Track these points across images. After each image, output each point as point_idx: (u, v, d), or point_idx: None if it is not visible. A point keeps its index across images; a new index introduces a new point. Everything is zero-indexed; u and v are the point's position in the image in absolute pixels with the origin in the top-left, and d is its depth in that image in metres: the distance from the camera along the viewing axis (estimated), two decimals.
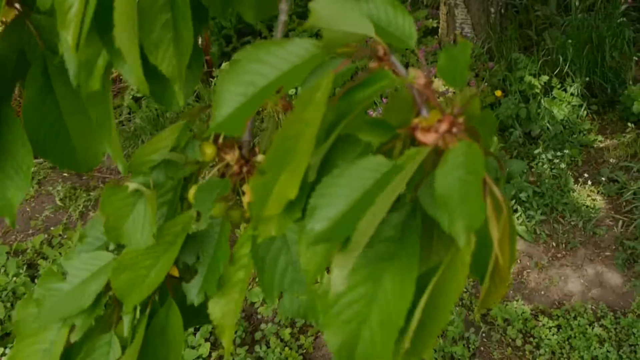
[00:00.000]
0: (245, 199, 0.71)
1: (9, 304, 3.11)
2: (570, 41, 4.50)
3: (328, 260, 0.53)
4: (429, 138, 0.53)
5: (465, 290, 2.85)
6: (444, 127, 0.52)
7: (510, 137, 4.13)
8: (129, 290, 0.70)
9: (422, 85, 0.55)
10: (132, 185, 0.72)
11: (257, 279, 0.77)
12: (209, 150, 0.74)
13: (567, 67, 4.41)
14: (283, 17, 0.74)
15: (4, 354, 2.84)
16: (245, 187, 0.71)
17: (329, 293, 0.53)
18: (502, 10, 4.74)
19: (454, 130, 0.52)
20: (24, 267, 3.32)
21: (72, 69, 0.66)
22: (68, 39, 0.61)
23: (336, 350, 0.52)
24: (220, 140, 0.75)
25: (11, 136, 0.75)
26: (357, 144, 0.56)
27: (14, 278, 3.22)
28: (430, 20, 4.85)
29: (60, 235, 3.54)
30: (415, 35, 0.58)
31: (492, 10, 4.68)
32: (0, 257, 3.36)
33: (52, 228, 3.60)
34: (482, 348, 2.79)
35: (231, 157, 0.73)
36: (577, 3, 5.09)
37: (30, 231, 3.61)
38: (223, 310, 0.73)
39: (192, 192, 0.72)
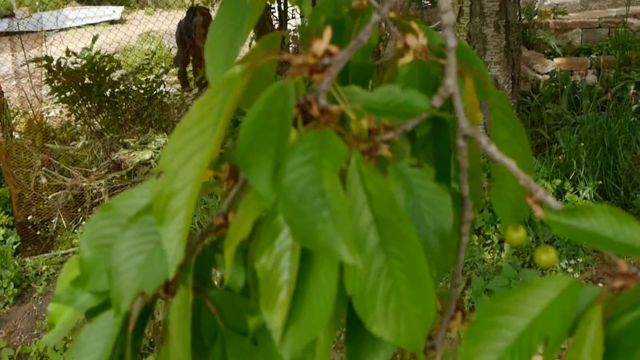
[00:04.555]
0: None
1: None
2: (582, 144, 4.51)
3: None
4: None
5: None
6: None
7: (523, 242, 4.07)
8: None
9: None
10: None
11: None
12: None
13: (580, 171, 4.40)
14: None
15: None
16: None
17: None
18: (514, 111, 4.77)
19: None
20: None
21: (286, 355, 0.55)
22: (275, 322, 0.52)
23: None
24: None
25: None
26: None
27: None
28: None
29: (65, 338, 3.37)
30: None
31: None
32: None
33: None
34: None
35: None
36: (588, 101, 5.15)
37: (36, 331, 3.44)
38: None
39: None
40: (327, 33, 0.52)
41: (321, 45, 0.52)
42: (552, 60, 6.04)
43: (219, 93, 0.50)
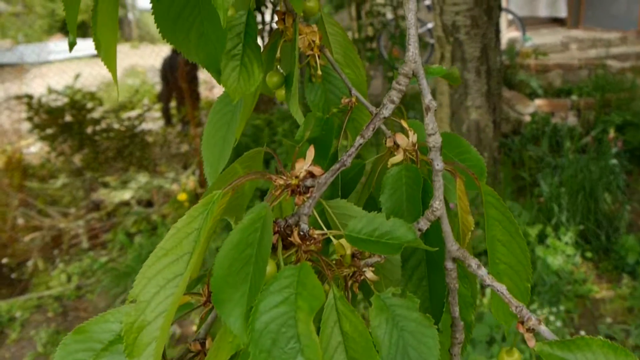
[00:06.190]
0: None
1: None
2: (563, 189, 4.53)
3: None
4: None
5: None
6: None
7: None
8: None
9: None
10: None
11: None
12: None
13: (562, 215, 4.41)
14: None
15: None
16: None
17: None
18: (496, 154, 4.77)
19: None
20: None
21: None
22: None
23: None
24: None
25: None
26: None
27: None
28: None
29: None
30: None
31: (486, 154, 4.70)
32: None
33: None
34: None
35: None
36: (569, 144, 5.18)
37: None
38: None
39: None
40: (310, 153, 0.49)
41: (303, 165, 0.49)
42: (534, 101, 6.10)
43: (196, 219, 0.47)
